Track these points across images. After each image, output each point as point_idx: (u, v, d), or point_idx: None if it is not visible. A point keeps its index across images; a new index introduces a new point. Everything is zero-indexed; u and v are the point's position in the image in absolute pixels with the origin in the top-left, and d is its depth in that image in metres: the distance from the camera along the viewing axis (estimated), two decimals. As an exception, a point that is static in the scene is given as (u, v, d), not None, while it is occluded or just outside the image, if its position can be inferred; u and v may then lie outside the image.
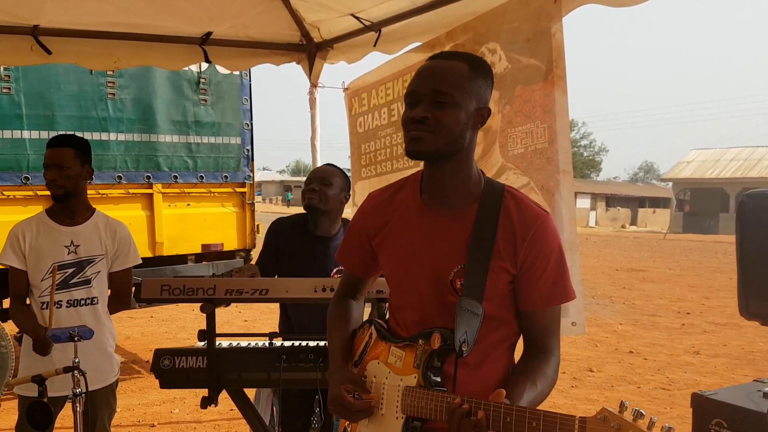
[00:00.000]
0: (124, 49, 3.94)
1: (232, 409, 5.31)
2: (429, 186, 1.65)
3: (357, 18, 4.00)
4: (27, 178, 5.13)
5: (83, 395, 2.22)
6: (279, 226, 3.11)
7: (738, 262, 2.94)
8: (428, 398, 1.48)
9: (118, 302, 3.06)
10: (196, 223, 6.07)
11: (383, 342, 1.69)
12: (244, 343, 2.65)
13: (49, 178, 2.79)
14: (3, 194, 5.05)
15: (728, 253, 21.42)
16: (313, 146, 4.71)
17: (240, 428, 4.88)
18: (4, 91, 5.01)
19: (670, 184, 44.37)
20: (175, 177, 5.90)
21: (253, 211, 6.42)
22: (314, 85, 4.58)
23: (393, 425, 1.56)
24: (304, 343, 2.60)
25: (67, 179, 2.79)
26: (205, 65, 5.61)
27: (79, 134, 5.28)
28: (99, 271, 2.94)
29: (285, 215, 3.28)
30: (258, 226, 6.50)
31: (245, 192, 6.36)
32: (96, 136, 5.40)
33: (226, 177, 6.20)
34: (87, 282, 2.91)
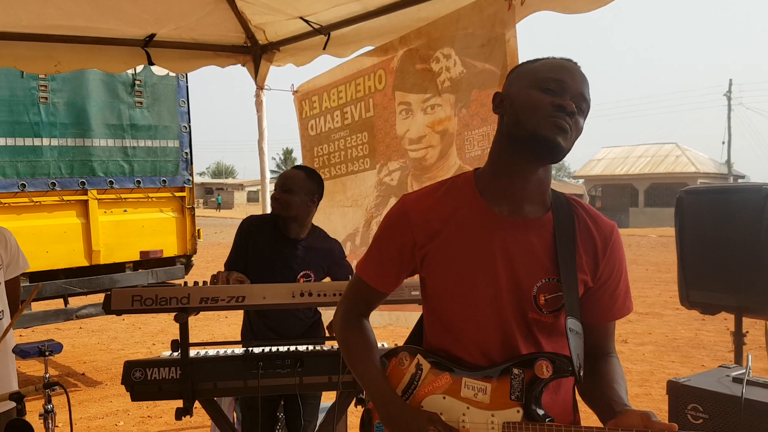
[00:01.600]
0: (65, 52, 3.79)
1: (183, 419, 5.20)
2: (500, 192, 1.47)
3: (306, 21, 4.01)
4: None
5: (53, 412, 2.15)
6: (249, 225, 3.06)
7: (678, 254, 3.17)
8: None
9: (12, 311, 2.85)
10: (133, 229, 5.89)
11: (445, 373, 1.47)
12: (212, 352, 2.62)
13: None
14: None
15: (641, 245, 22.68)
16: (261, 149, 4.67)
17: (190, 438, 4.79)
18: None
19: (582, 181, 46.37)
20: (111, 182, 5.70)
21: (193, 216, 6.30)
22: (260, 87, 4.55)
23: None
24: (276, 349, 2.60)
25: None
26: (140, 67, 5.45)
27: (10, 140, 5.09)
28: (1, 283, 2.78)
29: (255, 214, 3.24)
30: (199, 231, 6.37)
31: (185, 196, 6.22)
32: (29, 141, 5.15)
33: (164, 181, 6.04)
34: None
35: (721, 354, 7.03)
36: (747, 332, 3.04)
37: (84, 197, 5.55)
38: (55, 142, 5.33)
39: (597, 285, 1.49)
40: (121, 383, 2.47)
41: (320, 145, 4.23)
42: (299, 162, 3.68)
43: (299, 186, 2.95)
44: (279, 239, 2.99)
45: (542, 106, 1.37)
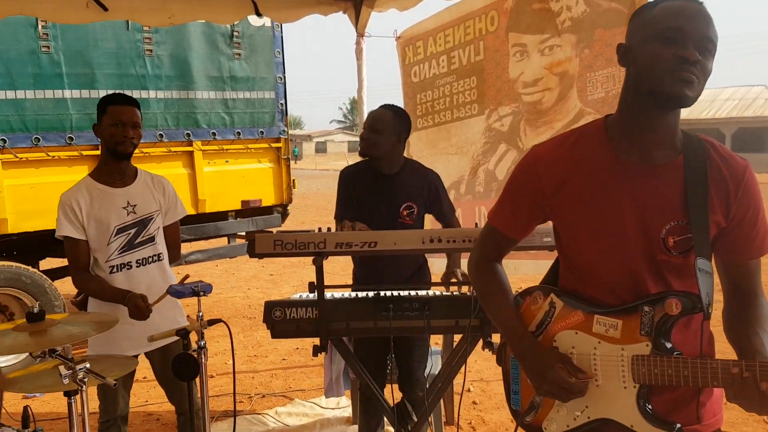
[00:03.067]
0: (179, 3, 3.88)
1: (284, 359, 5.46)
2: (629, 139, 1.51)
3: (412, -37, 3.93)
4: (71, 138, 5.10)
5: (205, 347, 2.30)
6: (346, 174, 3.19)
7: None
8: (669, 365, 1.44)
9: (171, 255, 3.03)
10: (235, 179, 6.09)
11: (578, 311, 1.57)
12: (347, 294, 2.71)
13: (122, 136, 2.69)
14: (49, 155, 5.03)
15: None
16: (360, 98, 4.69)
17: (296, 376, 5.01)
18: (44, 49, 4.93)
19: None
20: (214, 134, 5.88)
21: (288, 166, 6.43)
22: (361, 34, 4.53)
23: (620, 395, 1.51)
24: (405, 293, 2.66)
25: (138, 138, 2.76)
26: (238, 18, 5.51)
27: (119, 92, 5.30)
28: (159, 227, 2.91)
29: (350, 164, 3.31)
30: (294, 181, 6.51)
31: (280, 147, 6.35)
32: (136, 93, 5.34)
33: (261, 132, 6.18)
34: (151, 240, 2.88)
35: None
36: None
37: (189, 148, 5.75)
38: (161, 94, 5.52)
39: (731, 225, 1.51)
40: (263, 321, 2.60)
41: (424, 92, 4.20)
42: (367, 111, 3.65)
43: (387, 126, 2.99)
44: (376, 178, 3.06)
45: (664, 60, 1.38)
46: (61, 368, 1.67)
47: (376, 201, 3.05)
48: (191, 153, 5.75)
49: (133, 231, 2.81)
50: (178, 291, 2.35)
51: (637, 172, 1.50)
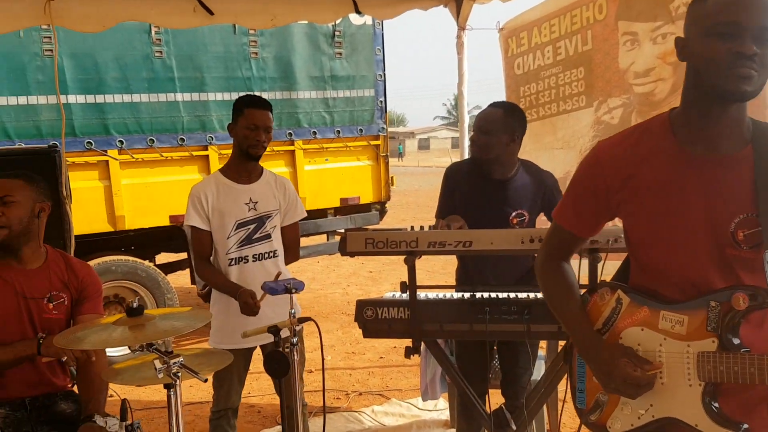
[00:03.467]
0: (280, 5, 3.95)
1: (382, 357, 5.45)
2: (694, 131, 1.47)
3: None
4: (182, 140, 5.35)
5: (297, 344, 2.29)
6: (453, 172, 2.99)
7: None
8: (736, 362, 1.40)
9: (289, 255, 3.13)
10: (334, 177, 6.16)
11: (644, 307, 1.56)
12: (441, 294, 2.62)
13: (254, 140, 2.82)
14: (162, 155, 5.30)
15: None
16: (461, 92, 4.58)
17: (393, 375, 4.99)
18: (157, 55, 5.19)
19: None
20: (314, 133, 5.98)
21: (387, 164, 6.42)
22: (462, 28, 4.42)
23: (686, 393, 1.48)
24: (503, 295, 2.54)
25: (269, 141, 2.88)
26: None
27: (226, 95, 5.50)
28: (275, 225, 3.01)
29: (457, 161, 3.18)
30: (392, 178, 6.50)
31: (379, 144, 6.35)
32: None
33: (360, 130, 6.21)
34: (268, 236, 2.98)
35: None
36: None
37: (291, 147, 5.88)
38: (265, 95, 5.63)
39: None
40: (355, 320, 2.57)
41: (527, 84, 4.03)
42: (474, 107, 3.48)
43: (497, 125, 2.76)
44: (485, 182, 2.85)
45: (719, 56, 1.35)
46: (156, 362, 1.70)
47: (484, 207, 2.83)
48: (293, 152, 5.88)
49: (252, 227, 2.92)
50: (272, 288, 2.36)
51: (703, 164, 1.46)
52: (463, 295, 2.54)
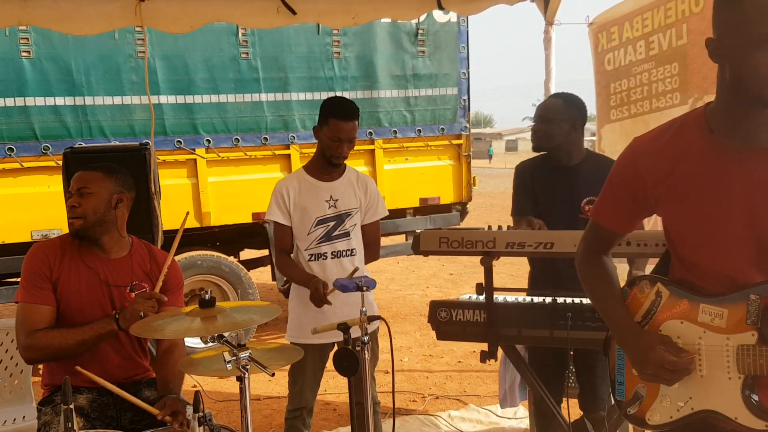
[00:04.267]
0: (362, 3, 3.93)
1: (460, 361, 5.34)
2: (731, 127, 1.47)
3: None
4: (266, 139, 5.46)
5: (369, 343, 2.25)
6: (523, 168, 2.97)
7: None
8: None
9: (369, 253, 3.12)
10: (413, 177, 6.10)
11: (683, 300, 1.57)
12: (520, 298, 2.51)
13: (338, 152, 2.88)
14: (246, 154, 5.43)
15: None
16: (547, 89, 4.40)
17: (471, 380, 4.88)
18: (243, 56, 5.33)
19: None
20: (395, 132, 5.94)
21: (469, 164, 6.30)
22: (550, 23, 4.25)
23: (725, 386, 1.50)
24: (586, 301, 2.39)
25: (351, 149, 2.93)
26: (423, 15, 5.50)
27: (308, 95, 5.57)
28: (355, 224, 3.01)
29: (525, 159, 3.10)
30: (474, 178, 6.37)
31: (461, 144, 6.24)
32: (324, 95, 5.57)
33: (442, 129, 6.13)
34: (347, 234, 2.98)
35: None
36: None
37: (371, 147, 5.88)
38: (346, 95, 5.68)
39: None
40: (428, 321, 2.51)
41: (618, 81, 3.82)
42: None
43: (558, 114, 2.74)
44: (554, 171, 2.81)
45: (763, 70, 1.34)
46: (226, 354, 1.70)
47: (555, 195, 2.79)
48: (372, 151, 5.87)
49: (331, 224, 2.95)
50: (344, 285, 2.33)
51: (741, 158, 1.47)
52: (543, 300, 2.41)
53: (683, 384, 1.53)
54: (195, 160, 5.25)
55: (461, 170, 6.26)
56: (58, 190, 4.86)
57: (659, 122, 3.61)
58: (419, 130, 6.01)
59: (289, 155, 5.57)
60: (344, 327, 2.08)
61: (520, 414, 4.08)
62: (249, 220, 5.50)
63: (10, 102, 4.67)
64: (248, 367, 1.73)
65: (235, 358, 1.71)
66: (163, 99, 5.01)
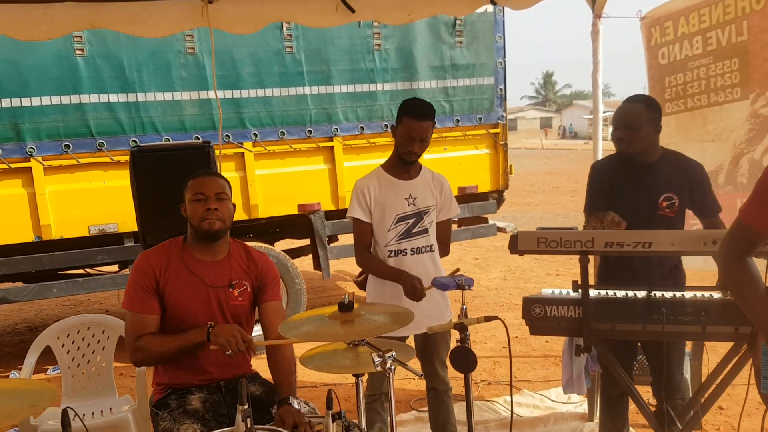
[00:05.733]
0: (417, 0, 3.99)
1: (504, 347, 5.47)
2: None
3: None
4: (310, 132, 5.54)
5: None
6: (600, 166, 3.05)
7: None
8: None
9: (442, 249, 3.22)
10: (452, 166, 6.17)
11: None
12: (611, 293, 2.62)
13: (409, 149, 2.96)
14: (291, 147, 5.51)
15: None
16: (595, 81, 4.48)
17: (518, 366, 4.99)
18: (288, 50, 5.38)
19: None
20: (434, 122, 5.99)
21: (505, 152, 6.38)
22: (597, 15, 4.32)
23: None
24: (678, 295, 2.51)
25: (424, 149, 3.01)
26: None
27: (350, 87, 5.63)
28: (432, 221, 3.12)
29: (601, 158, 3.19)
30: (511, 166, 6.46)
31: (498, 132, 6.32)
32: (365, 87, 5.65)
33: (479, 119, 6.19)
34: (425, 231, 3.09)
35: None
36: None
37: (411, 137, 5.93)
38: (387, 86, 5.76)
39: None
40: (522, 317, 2.62)
41: (673, 75, 3.91)
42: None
43: (643, 120, 2.78)
44: (632, 169, 2.88)
45: None
46: (374, 356, 1.81)
47: (633, 192, 2.88)
48: (413, 141, 5.93)
49: (411, 221, 3.05)
50: (443, 283, 2.45)
51: None
52: (636, 295, 2.53)
53: None
54: (243, 153, 5.34)
55: (498, 159, 6.34)
56: (113, 185, 4.98)
57: (718, 116, 3.74)
58: (457, 120, 6.09)
59: (332, 147, 5.65)
60: (461, 326, 2.19)
61: (574, 399, 4.22)
62: (294, 211, 5.60)
63: (65, 100, 4.74)
64: (393, 367, 1.84)
65: (381, 359, 1.82)
66: (212, 94, 5.08)
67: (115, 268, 5.65)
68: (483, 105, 6.16)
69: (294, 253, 6.10)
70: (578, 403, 4.18)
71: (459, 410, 4.09)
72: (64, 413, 1.47)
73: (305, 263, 6.60)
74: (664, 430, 2.60)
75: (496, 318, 2.23)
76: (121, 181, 4.79)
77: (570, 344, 3.66)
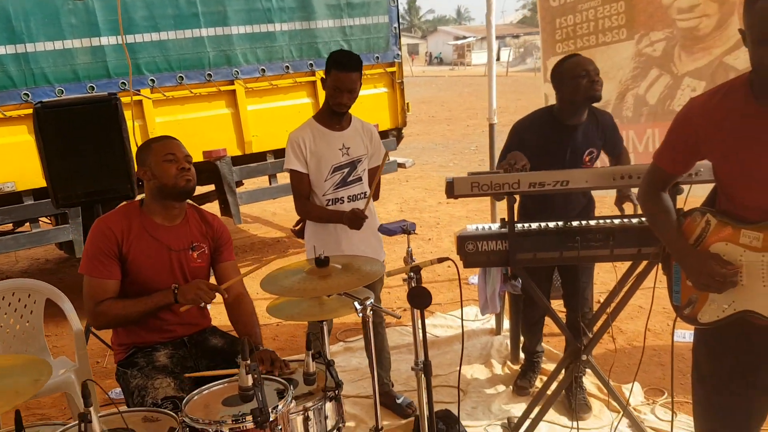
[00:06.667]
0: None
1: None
2: (764, 92, 1.82)
3: None
4: (210, 75, 5.40)
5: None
6: (523, 126, 3.27)
7: None
8: None
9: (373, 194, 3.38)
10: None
11: (728, 226, 1.97)
12: (534, 226, 2.93)
13: (338, 101, 3.08)
14: (191, 92, 5.36)
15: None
16: (489, 21, 4.72)
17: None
18: (180, -10, 5.14)
19: None
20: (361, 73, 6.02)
21: (402, 90, 6.56)
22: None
23: (761, 292, 1.91)
24: (593, 223, 2.85)
25: (353, 100, 3.12)
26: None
27: (248, 27, 5.50)
28: (365, 169, 3.31)
29: (522, 117, 3.39)
30: (408, 104, 6.66)
31: (394, 71, 6.47)
32: (264, 28, 5.55)
33: (377, 57, 6.30)
34: (359, 179, 3.28)
35: None
36: None
37: (312, 78, 5.95)
38: (285, 27, 5.69)
39: None
40: (456, 253, 2.89)
41: (564, 17, 4.22)
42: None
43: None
44: (560, 129, 3.16)
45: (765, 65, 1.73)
46: (356, 304, 2.00)
47: (558, 149, 3.16)
48: (314, 83, 5.95)
49: (346, 170, 3.20)
50: (389, 229, 2.64)
51: None
52: (557, 224, 2.84)
53: (728, 291, 1.94)
54: (141, 101, 5.12)
55: (396, 97, 6.51)
56: (7, 142, 4.64)
57: (605, 55, 4.13)
58: (356, 59, 6.13)
59: (234, 91, 5.56)
60: (416, 269, 2.41)
61: (480, 316, 4.67)
62: (200, 158, 5.50)
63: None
64: (372, 312, 2.04)
65: (362, 306, 2.01)
66: (104, 41, 4.79)
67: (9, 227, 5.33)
68: (379, 44, 6.25)
69: (200, 199, 6.02)
70: (484, 320, 4.64)
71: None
72: (84, 385, 1.54)
73: (213, 209, 6.54)
74: (580, 338, 3.04)
75: (447, 259, 2.46)
76: (16, 137, 4.49)
77: (483, 272, 4.06)
